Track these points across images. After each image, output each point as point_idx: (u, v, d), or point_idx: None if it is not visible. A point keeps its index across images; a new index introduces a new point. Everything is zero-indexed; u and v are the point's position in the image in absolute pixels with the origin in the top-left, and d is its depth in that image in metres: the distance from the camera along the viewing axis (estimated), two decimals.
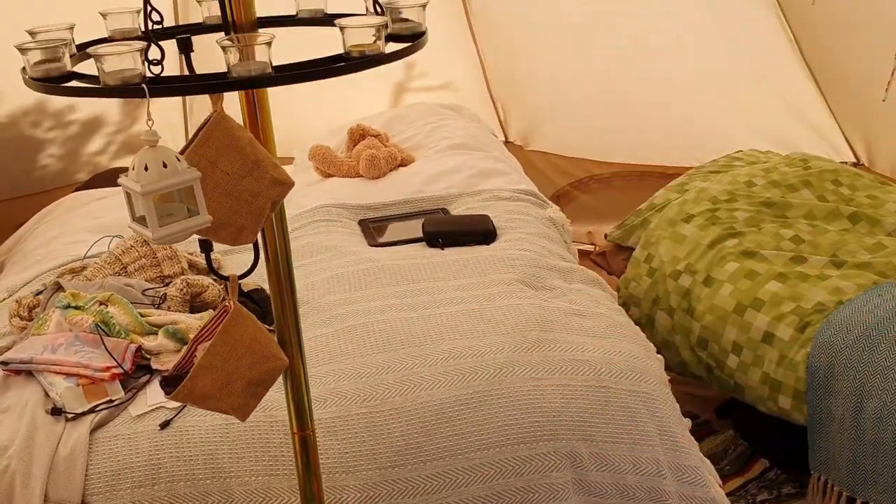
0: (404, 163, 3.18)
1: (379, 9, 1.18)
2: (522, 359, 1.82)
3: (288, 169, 3.31)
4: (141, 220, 0.93)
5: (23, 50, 0.99)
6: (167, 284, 2.16)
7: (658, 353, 2.09)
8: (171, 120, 3.82)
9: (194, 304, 2.11)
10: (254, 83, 0.95)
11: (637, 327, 2.07)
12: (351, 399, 1.75)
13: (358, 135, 3.26)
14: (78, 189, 3.35)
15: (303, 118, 3.58)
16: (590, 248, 3.52)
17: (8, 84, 3.06)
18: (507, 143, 3.90)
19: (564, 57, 3.49)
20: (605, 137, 3.61)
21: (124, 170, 3.11)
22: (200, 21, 1.38)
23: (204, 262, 2.34)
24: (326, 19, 1.28)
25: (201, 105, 3.74)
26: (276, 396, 1.69)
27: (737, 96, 3.19)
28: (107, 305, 1.97)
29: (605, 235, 2.94)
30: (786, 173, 2.71)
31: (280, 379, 1.32)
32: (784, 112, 3.14)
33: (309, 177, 3.17)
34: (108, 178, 3.40)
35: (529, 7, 3.44)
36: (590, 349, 1.87)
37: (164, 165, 0.90)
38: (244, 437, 1.69)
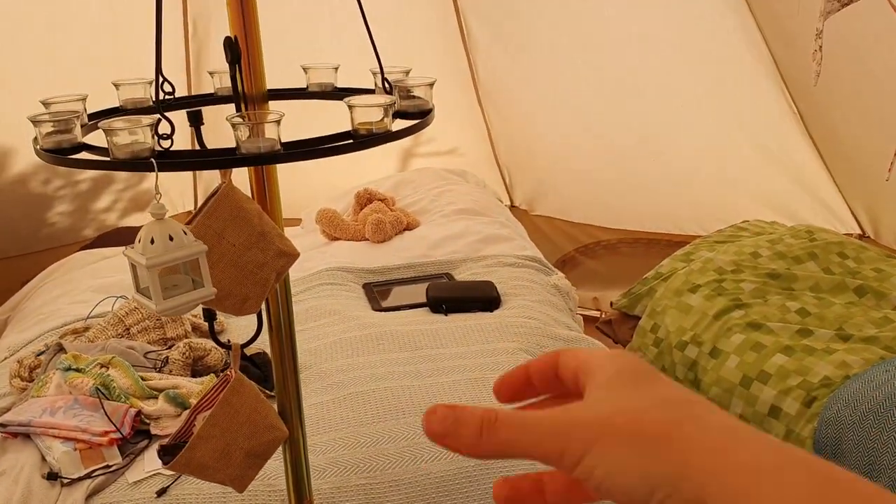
0: (410, 227, 3.20)
1: (388, 85, 1.20)
2: None
3: (294, 230, 3.35)
4: (145, 292, 0.93)
5: (35, 122, 1.00)
6: (170, 347, 2.15)
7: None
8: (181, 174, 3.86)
9: (196, 367, 2.10)
10: (262, 160, 0.96)
11: None
12: (350, 469, 1.72)
13: (365, 198, 3.29)
14: (84, 247, 3.37)
15: (310, 180, 3.61)
16: (595, 314, 3.51)
17: (19, 142, 3.10)
18: (512, 207, 3.92)
19: (570, 124, 3.53)
20: (611, 204, 3.63)
21: (131, 230, 3.12)
22: (212, 91, 1.40)
23: (206, 324, 2.33)
24: (335, 94, 1.30)
25: None
26: (275, 465, 1.67)
27: (742, 167, 3.22)
28: (108, 368, 1.96)
29: (612, 303, 2.94)
30: (791, 245, 2.71)
31: (280, 448, 1.31)
32: (789, 183, 3.16)
33: (315, 239, 3.19)
34: (114, 238, 3.43)
35: (536, 77, 3.49)
36: None
37: (171, 238, 0.90)
38: None
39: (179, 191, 3.99)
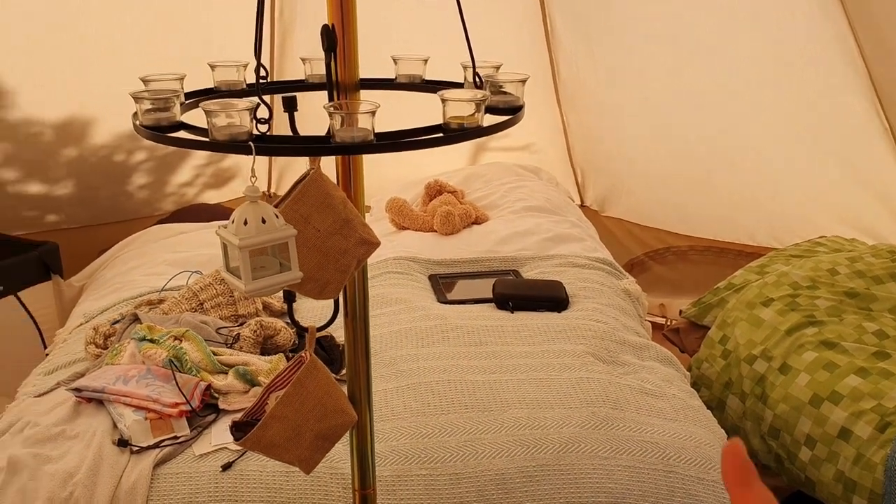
0: (478, 221, 3.19)
1: (479, 80, 1.19)
2: (590, 435, 1.78)
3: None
4: (235, 271, 0.95)
5: (137, 98, 1.03)
6: (241, 324, 2.19)
7: (728, 439, 2.02)
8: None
9: (265, 346, 2.14)
10: (356, 149, 0.96)
11: (709, 412, 2.01)
12: (411, 459, 1.73)
13: (435, 190, 3.29)
14: (160, 221, 3.46)
15: (382, 168, 3.64)
16: (661, 320, 3.46)
17: (105, 110, 3.18)
18: (582, 206, 3.89)
19: (649, 128, 3.48)
20: (684, 209, 3.57)
21: (206, 206, 3.19)
22: (298, 76, 1.41)
23: (277, 303, 2.37)
24: (424, 86, 1.30)
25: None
26: (338, 449, 1.70)
27: (824, 180, 3.12)
28: (181, 341, 2.01)
29: (680, 311, 2.89)
30: (872, 264, 2.62)
31: (346, 433, 1.32)
32: (872, 200, 3.05)
33: (383, 227, 3.21)
34: (191, 213, 3.50)
35: (618, 79, 3.45)
36: (659, 431, 1.82)
37: (263, 221, 0.92)
38: (304, 486, 1.68)
39: (249, 172, 4.05)
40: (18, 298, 2.82)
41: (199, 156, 3.70)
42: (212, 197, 3.87)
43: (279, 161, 4.00)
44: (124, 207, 3.62)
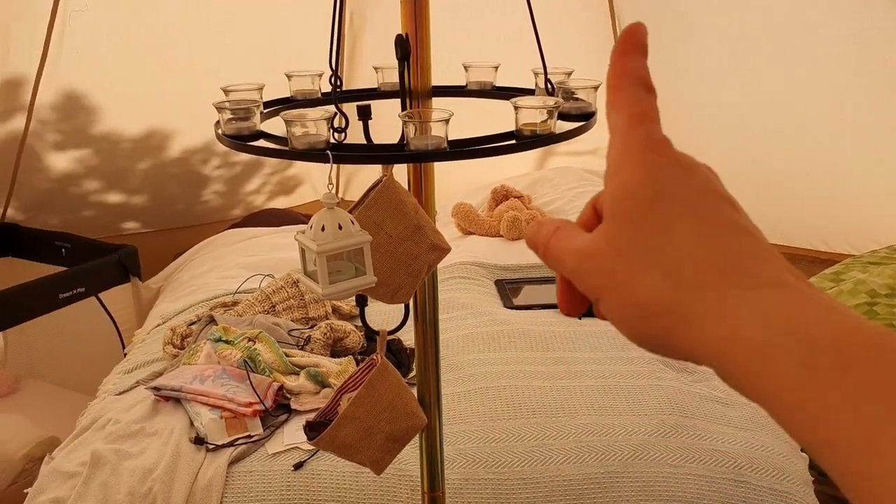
0: None
1: (550, 86, 1.20)
2: (659, 443, 1.76)
3: None
4: (312, 275, 0.97)
5: (219, 109, 1.06)
6: (312, 326, 2.24)
7: (802, 451, 1.98)
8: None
9: (335, 348, 2.17)
10: (430, 157, 0.98)
11: None
12: (479, 462, 1.74)
13: (501, 195, 3.30)
14: (233, 226, 3.55)
15: (448, 174, 3.65)
16: None
17: (183, 123, 3.30)
18: None
19: (719, 131, 3.42)
20: (755, 215, 3.40)
21: (277, 211, 3.25)
22: (367, 85, 1.44)
23: (346, 306, 2.41)
24: (495, 93, 1.31)
25: None
26: (407, 452, 1.71)
27: None
28: (255, 342, 2.06)
29: None
30: None
31: (416, 436, 1.34)
32: None
33: (449, 232, 3.23)
34: (262, 218, 3.59)
35: (688, 82, 3.40)
36: (730, 440, 1.79)
37: (340, 227, 0.94)
38: (373, 487, 1.71)
39: (323, 179, 4.13)
40: (99, 300, 2.93)
41: (267, 165, 3.79)
42: (281, 203, 3.96)
43: (347, 167, 4.06)
44: (199, 212, 3.73)
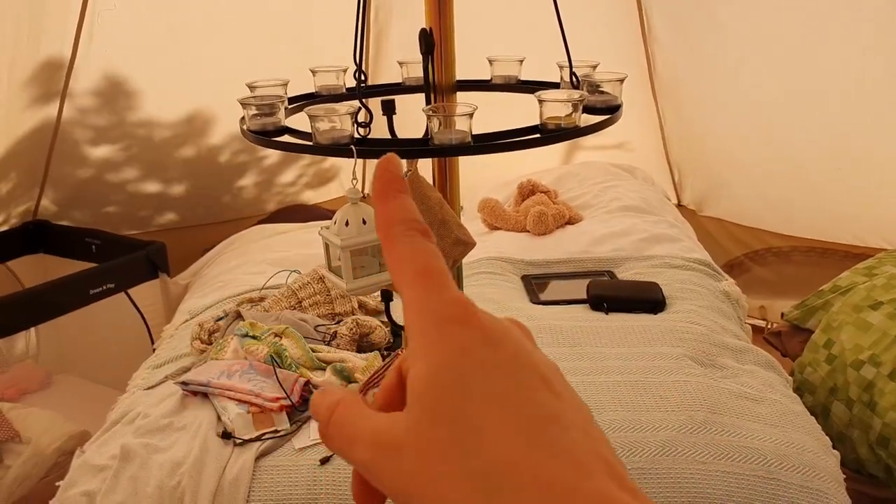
0: (572, 221, 3.17)
1: (575, 80, 1.19)
2: (687, 439, 1.74)
3: None
4: (337, 270, 0.97)
5: (244, 104, 1.07)
6: (338, 322, 2.24)
7: (833, 447, 1.95)
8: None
9: (362, 343, 2.18)
10: (453, 151, 0.98)
11: (813, 418, 1.94)
12: None
13: (527, 190, 3.29)
14: (260, 222, 3.56)
15: (474, 168, 3.64)
16: (761, 323, 3.36)
17: (222, 111, 3.30)
18: (679, 206, 3.80)
19: (749, 125, 3.37)
20: (786, 209, 3.44)
21: (305, 207, 3.26)
22: (393, 79, 1.43)
23: (372, 302, 2.41)
24: (520, 87, 1.30)
25: None
26: None
27: None
28: (281, 338, 2.07)
29: (782, 314, 2.80)
30: None
31: None
32: None
33: (476, 228, 3.22)
34: (288, 214, 3.60)
35: (717, 75, 3.36)
36: (760, 437, 1.77)
37: (364, 222, 0.94)
38: None
39: (350, 175, 4.14)
40: (128, 295, 2.96)
41: (304, 157, 3.79)
42: (310, 197, 3.96)
43: (374, 163, 4.06)
44: (231, 206, 3.73)
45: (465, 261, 2.76)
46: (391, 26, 3.52)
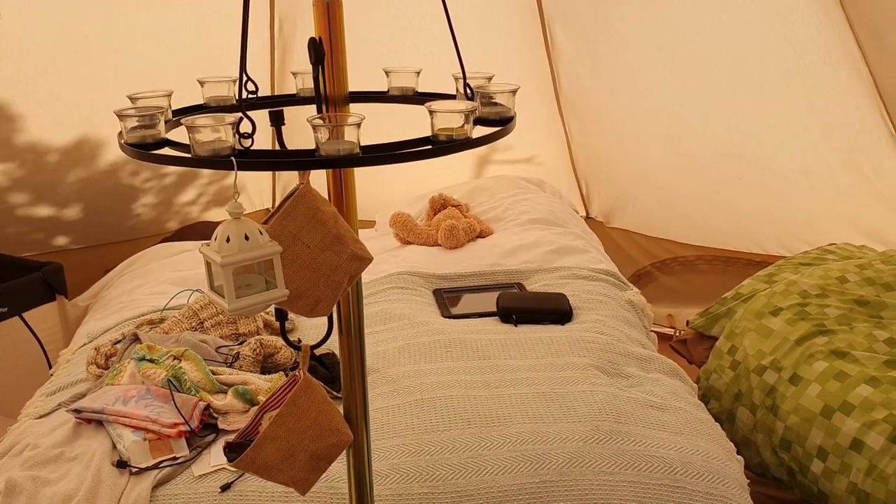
0: (483, 234, 3.17)
1: (470, 91, 1.18)
2: (594, 450, 1.75)
3: (368, 233, 3.36)
4: (219, 290, 0.93)
5: (121, 116, 1.01)
6: (241, 343, 2.17)
7: (738, 451, 1.98)
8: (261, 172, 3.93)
9: (266, 364, 2.11)
10: (341, 163, 0.95)
11: (717, 425, 1.97)
12: (412, 477, 1.70)
13: (439, 204, 3.28)
14: (164, 240, 3.45)
15: (386, 183, 3.63)
16: (670, 331, 3.43)
17: (111, 134, 3.19)
18: (587, 218, 3.86)
19: (653, 137, 3.45)
20: (691, 219, 3.54)
21: (210, 224, 3.17)
22: (295, 91, 1.40)
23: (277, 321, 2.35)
24: (416, 98, 1.28)
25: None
26: (339, 468, 1.67)
27: (832, 188, 3.09)
28: (180, 360, 1.99)
29: (688, 322, 2.85)
30: (882, 271, 2.58)
31: (344, 452, 1.30)
32: (881, 206, 3.01)
33: (388, 242, 3.20)
34: (193, 231, 3.50)
35: (620, 88, 3.43)
36: (666, 445, 1.78)
37: (246, 238, 0.90)
38: None
39: (258, 189, 4.06)
40: (23, 319, 2.82)
41: (203, 174, 3.70)
42: (217, 215, 3.87)
43: (283, 176, 3.99)
44: (131, 227, 3.62)
45: (375, 276, 2.74)
46: (296, 39, 3.47)
